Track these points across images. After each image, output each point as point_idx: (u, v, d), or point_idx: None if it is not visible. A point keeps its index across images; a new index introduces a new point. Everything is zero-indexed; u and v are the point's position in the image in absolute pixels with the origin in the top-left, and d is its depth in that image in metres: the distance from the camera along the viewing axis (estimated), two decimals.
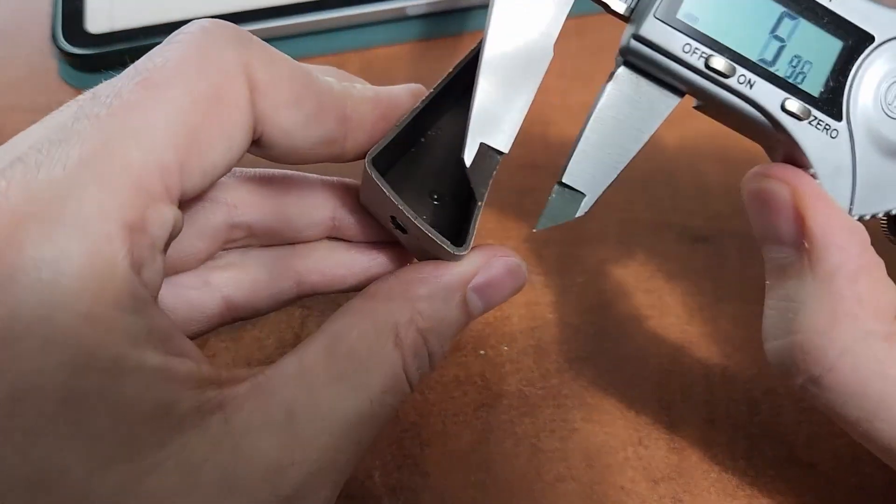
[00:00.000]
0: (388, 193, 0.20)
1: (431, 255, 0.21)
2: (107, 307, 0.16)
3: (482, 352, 0.28)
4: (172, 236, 0.18)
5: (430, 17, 0.39)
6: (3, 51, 0.38)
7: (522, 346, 0.28)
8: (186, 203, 0.19)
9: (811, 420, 0.26)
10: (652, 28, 0.19)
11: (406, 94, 0.23)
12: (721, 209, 0.32)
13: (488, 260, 0.21)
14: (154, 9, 0.36)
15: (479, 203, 0.21)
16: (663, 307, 0.29)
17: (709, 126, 0.35)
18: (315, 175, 0.23)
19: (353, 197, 0.23)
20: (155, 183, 0.17)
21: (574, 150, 0.20)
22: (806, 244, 0.19)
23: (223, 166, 0.19)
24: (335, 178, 0.24)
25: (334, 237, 0.24)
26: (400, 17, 0.38)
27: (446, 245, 0.20)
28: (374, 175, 0.20)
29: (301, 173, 0.23)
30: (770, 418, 0.26)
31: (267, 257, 0.24)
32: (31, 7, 0.39)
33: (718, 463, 0.25)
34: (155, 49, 0.19)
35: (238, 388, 0.17)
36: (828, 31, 0.19)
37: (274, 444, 0.17)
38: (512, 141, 0.20)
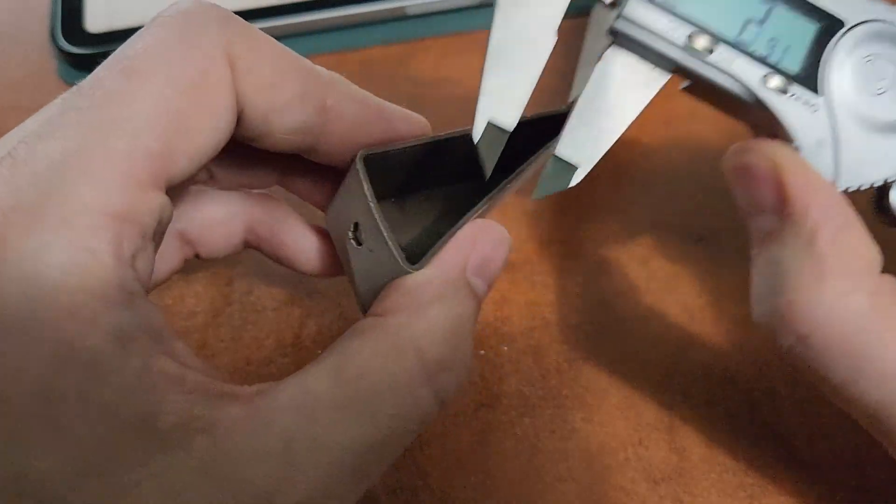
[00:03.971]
0: (366, 190, 0.20)
1: (376, 276, 0.21)
2: (91, 299, 0.16)
3: (482, 352, 0.27)
4: (163, 224, 0.18)
5: (430, 17, 0.38)
6: (1, 50, 0.37)
7: (522, 346, 0.28)
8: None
9: (812, 420, 0.26)
10: (635, 9, 0.20)
11: (402, 116, 0.22)
12: (721, 209, 0.32)
13: (475, 238, 0.20)
14: (153, 7, 0.36)
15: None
16: (663, 307, 0.29)
17: (708, 128, 0.35)
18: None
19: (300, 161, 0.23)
20: (141, 171, 0.17)
21: (566, 125, 0.21)
22: (788, 209, 0.19)
23: (211, 150, 0.18)
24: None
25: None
26: (400, 17, 0.38)
27: (401, 259, 0.20)
28: (360, 167, 0.20)
29: None
30: (771, 418, 0.26)
31: (220, 196, 0.23)
32: (30, 6, 0.39)
33: (719, 463, 0.25)
34: (136, 34, 0.18)
35: (231, 410, 0.16)
36: (801, 14, 0.21)
37: (265, 474, 0.15)
38: (516, 121, 0.21)
